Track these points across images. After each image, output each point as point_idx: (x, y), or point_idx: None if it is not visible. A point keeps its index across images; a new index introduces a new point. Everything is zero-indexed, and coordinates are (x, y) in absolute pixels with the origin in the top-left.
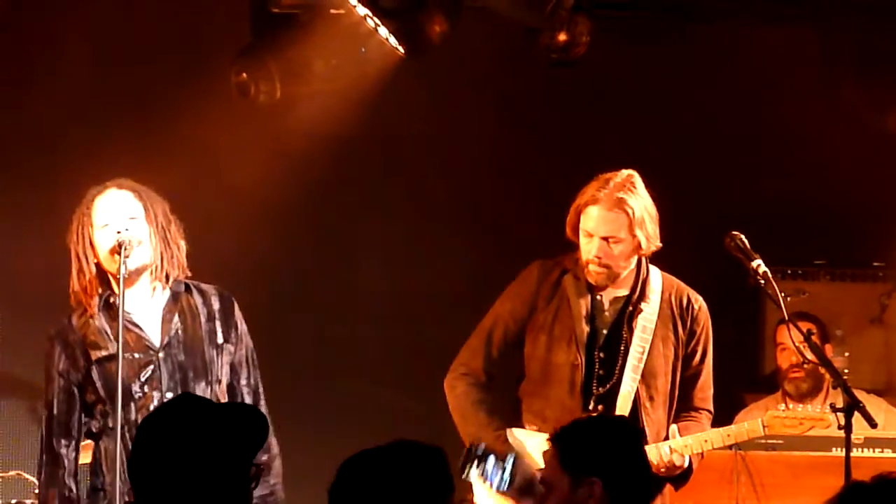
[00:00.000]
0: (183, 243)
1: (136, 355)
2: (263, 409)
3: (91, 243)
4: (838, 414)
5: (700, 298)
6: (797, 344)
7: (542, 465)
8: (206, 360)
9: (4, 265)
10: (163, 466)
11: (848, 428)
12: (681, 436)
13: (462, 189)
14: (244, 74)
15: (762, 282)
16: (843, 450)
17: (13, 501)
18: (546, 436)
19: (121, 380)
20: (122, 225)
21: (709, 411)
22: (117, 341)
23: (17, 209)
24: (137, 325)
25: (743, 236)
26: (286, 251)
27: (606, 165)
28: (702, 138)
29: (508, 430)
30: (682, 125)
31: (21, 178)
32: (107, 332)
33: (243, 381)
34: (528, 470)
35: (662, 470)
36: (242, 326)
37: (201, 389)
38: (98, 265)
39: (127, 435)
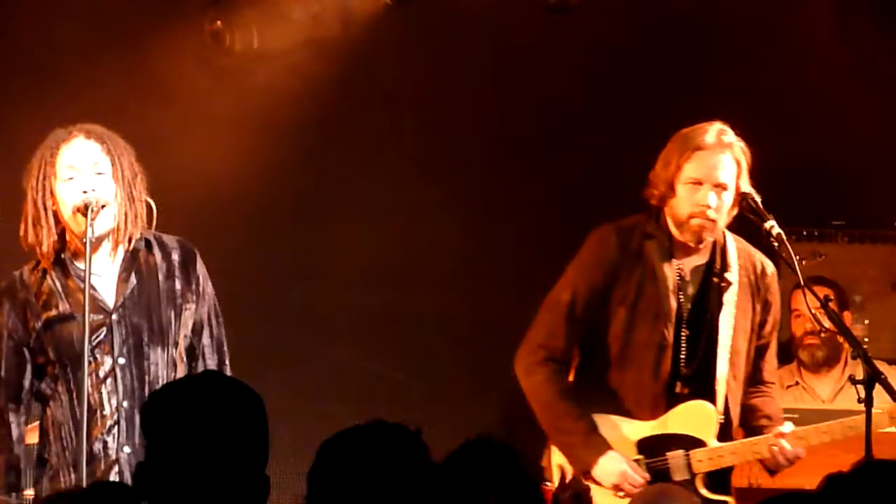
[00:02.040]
0: (148, 199)
1: (90, 317)
2: (227, 369)
3: (52, 193)
4: (858, 386)
5: (770, 263)
6: (813, 311)
7: (635, 456)
8: (162, 323)
9: None
10: (177, 447)
11: (868, 401)
12: (765, 413)
13: (453, 146)
14: (218, 22)
15: (776, 244)
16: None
17: None
18: (635, 422)
19: (75, 343)
20: (89, 182)
21: (773, 384)
22: (70, 301)
23: None
24: (92, 285)
25: (755, 195)
26: (262, 213)
27: (608, 118)
28: (710, 92)
29: (597, 418)
30: (689, 78)
31: None
32: (59, 291)
33: (205, 340)
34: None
35: (784, 463)
36: (204, 280)
37: (157, 355)
38: (56, 217)
39: (75, 401)
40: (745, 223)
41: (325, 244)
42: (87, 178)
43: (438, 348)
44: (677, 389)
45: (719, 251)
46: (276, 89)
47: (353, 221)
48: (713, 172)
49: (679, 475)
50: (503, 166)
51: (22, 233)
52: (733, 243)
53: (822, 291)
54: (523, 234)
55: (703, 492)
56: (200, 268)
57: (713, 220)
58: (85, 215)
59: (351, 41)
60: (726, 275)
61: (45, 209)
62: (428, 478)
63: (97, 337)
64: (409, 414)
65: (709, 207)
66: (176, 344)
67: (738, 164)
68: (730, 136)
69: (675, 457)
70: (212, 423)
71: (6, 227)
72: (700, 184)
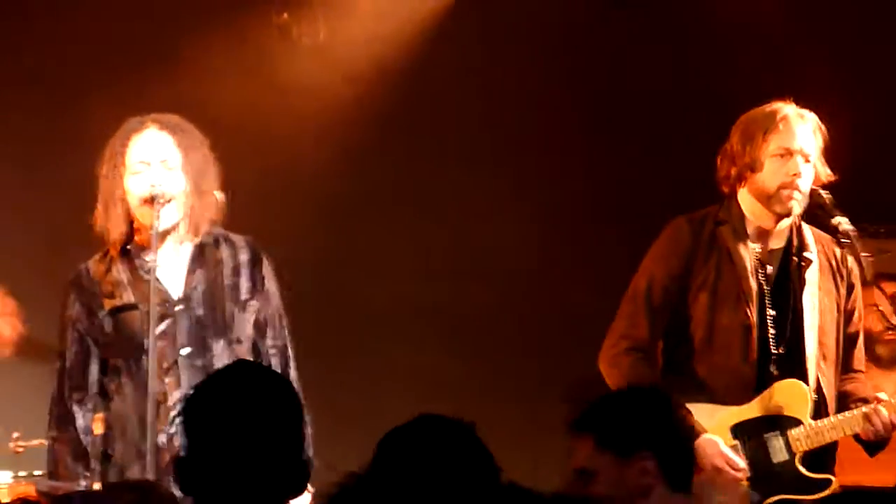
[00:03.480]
0: (219, 193)
1: (155, 308)
2: (293, 372)
3: (121, 183)
4: None
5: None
6: (880, 308)
7: (731, 442)
8: (226, 318)
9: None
10: (217, 436)
11: None
12: (860, 395)
13: (512, 140)
14: (285, 14)
15: (845, 240)
16: None
17: (37, 473)
18: (727, 408)
19: (138, 334)
20: (157, 177)
21: (863, 372)
22: (135, 292)
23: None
24: (157, 277)
25: (824, 192)
26: (325, 203)
27: (667, 112)
28: (771, 81)
29: (689, 408)
30: (749, 67)
31: (41, 120)
32: (124, 282)
33: (269, 342)
34: None
35: (882, 432)
36: (271, 283)
37: (220, 348)
38: (126, 207)
39: (139, 393)
40: (813, 219)
41: (382, 238)
42: (156, 172)
43: (496, 342)
44: (769, 371)
45: (796, 232)
46: (339, 83)
47: (411, 215)
48: (802, 141)
49: (778, 456)
50: (561, 160)
51: (95, 219)
52: (808, 227)
53: (890, 289)
54: (581, 227)
55: (804, 471)
56: (267, 269)
57: (802, 192)
58: (152, 206)
59: (415, 36)
60: (805, 254)
61: (115, 198)
62: (484, 472)
63: (161, 328)
64: (466, 408)
65: (799, 176)
66: (239, 341)
67: (818, 138)
68: (809, 111)
69: (774, 438)
70: (245, 411)
71: (79, 216)
72: (791, 154)
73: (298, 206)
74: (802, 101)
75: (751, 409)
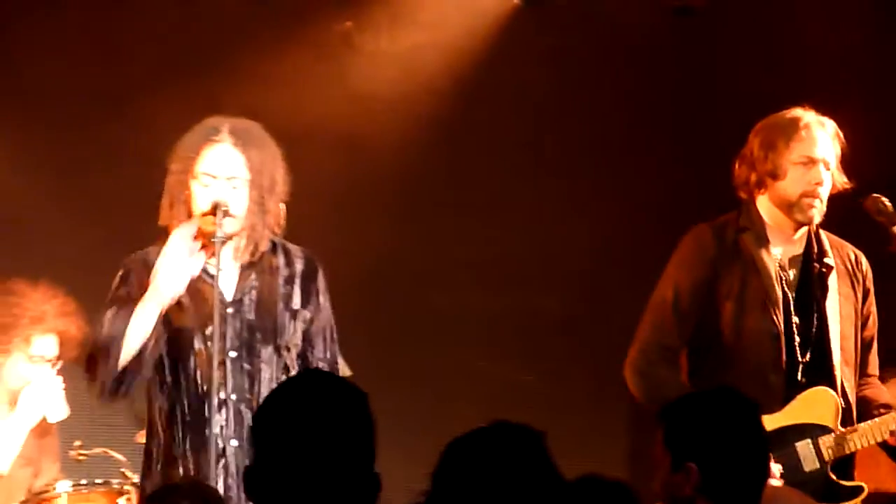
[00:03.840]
0: (282, 206)
1: (205, 308)
2: None
3: (188, 186)
4: None
5: (862, 254)
6: None
7: None
8: (276, 324)
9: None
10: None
11: None
12: (881, 401)
13: (580, 146)
14: (348, 23)
15: None
16: None
17: (98, 481)
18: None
19: (189, 332)
20: (222, 193)
21: (877, 376)
22: (189, 291)
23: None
24: (212, 276)
25: (886, 199)
26: (386, 212)
27: (729, 118)
28: (832, 88)
29: None
30: (813, 74)
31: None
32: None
33: (318, 354)
34: None
35: None
36: (324, 297)
37: (267, 354)
38: (188, 208)
39: (185, 391)
40: (873, 226)
41: (450, 243)
42: (222, 189)
43: (567, 351)
44: (796, 379)
45: (815, 239)
46: (404, 89)
47: (480, 221)
48: (824, 150)
49: (809, 465)
50: (631, 165)
51: (162, 207)
52: (823, 233)
53: None
54: (653, 233)
55: (836, 479)
56: (321, 283)
57: (823, 200)
58: (214, 215)
59: (480, 41)
60: (826, 260)
61: (181, 198)
62: (550, 481)
63: (211, 328)
64: (535, 416)
65: (821, 185)
66: (288, 349)
67: (837, 147)
68: (824, 118)
69: (804, 446)
70: (316, 422)
71: (134, 220)
72: (813, 162)
73: (361, 213)
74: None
75: (780, 418)
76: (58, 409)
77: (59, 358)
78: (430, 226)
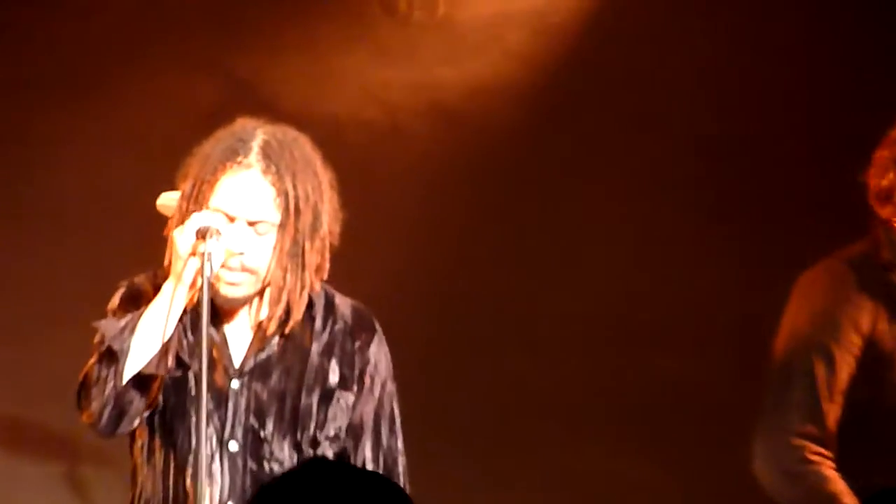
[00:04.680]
0: (325, 257)
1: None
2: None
3: None
4: None
5: None
6: None
7: None
8: (298, 410)
9: None
10: None
11: None
12: None
13: (695, 159)
14: None
15: None
16: None
17: None
18: None
19: (182, 403)
20: (240, 243)
21: None
22: (190, 346)
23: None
24: (223, 336)
25: None
26: (444, 243)
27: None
28: None
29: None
30: None
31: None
32: (186, 325)
33: (368, 452)
34: None
35: None
36: (377, 368)
37: (283, 452)
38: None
39: (169, 479)
40: None
41: (534, 287)
42: (240, 237)
43: (702, 432)
44: None
45: None
46: (464, 71)
47: (576, 258)
48: None
49: None
50: (776, 184)
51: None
52: None
53: None
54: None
55: None
56: (377, 349)
57: None
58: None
59: (564, 16)
60: None
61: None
62: None
63: (209, 406)
64: None
65: None
66: (315, 443)
67: None
68: None
69: None
70: None
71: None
72: None
73: (402, 239)
74: None
75: None
76: None
77: None
78: (513, 261)
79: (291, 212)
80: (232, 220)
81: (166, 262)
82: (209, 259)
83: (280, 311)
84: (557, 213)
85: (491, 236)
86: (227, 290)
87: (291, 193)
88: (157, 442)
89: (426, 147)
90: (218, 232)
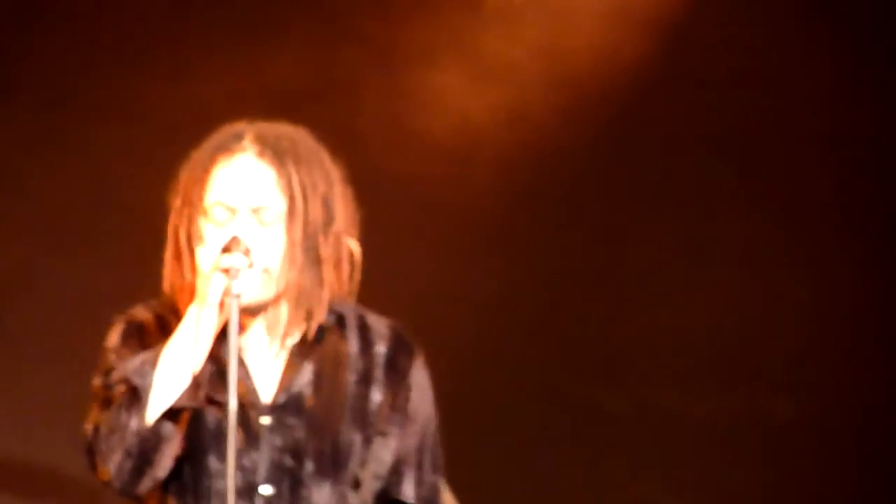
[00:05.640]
0: (353, 252)
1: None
2: None
3: (197, 231)
4: None
5: None
6: None
7: None
8: (339, 448)
9: None
10: None
11: None
12: None
13: (809, 163)
14: None
15: None
16: None
17: None
18: None
19: (204, 442)
20: (243, 227)
21: None
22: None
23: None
24: (245, 368)
25: None
26: (513, 257)
27: None
28: None
29: None
30: None
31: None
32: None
33: (409, 489)
34: None
35: None
36: (420, 396)
37: (324, 496)
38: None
39: None
40: None
41: (622, 310)
42: (245, 229)
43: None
44: None
45: None
46: (545, 66)
47: (672, 275)
48: None
49: None
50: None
51: (164, 272)
52: None
53: None
54: None
55: None
56: (418, 375)
57: None
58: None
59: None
60: None
61: (189, 248)
62: None
63: (237, 447)
64: None
65: None
66: (357, 484)
67: None
68: None
69: None
70: None
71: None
72: None
73: (460, 252)
74: None
75: None
76: None
77: None
78: (596, 282)
79: (298, 198)
80: (232, 211)
81: (165, 288)
82: (236, 276)
83: (300, 315)
84: (649, 238)
85: (574, 247)
86: (233, 286)
87: (295, 178)
88: (173, 492)
89: (505, 153)
90: (246, 246)
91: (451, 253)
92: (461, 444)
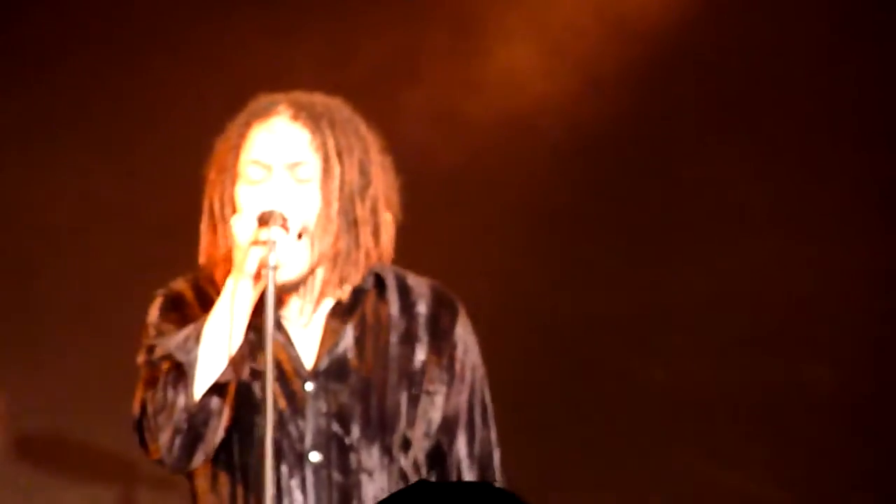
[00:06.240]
0: (387, 219)
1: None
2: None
3: (231, 197)
4: None
5: None
6: None
7: None
8: (385, 410)
9: None
10: None
11: None
12: None
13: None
14: None
15: None
16: None
17: None
18: None
19: (250, 412)
20: (280, 189)
21: None
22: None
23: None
24: (286, 335)
25: None
26: (559, 244)
27: None
28: None
29: None
30: None
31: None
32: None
33: (462, 448)
34: None
35: None
36: (465, 352)
37: (373, 459)
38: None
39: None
40: None
41: (662, 286)
42: (280, 186)
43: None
44: None
45: None
46: (598, 47)
47: (704, 252)
48: None
49: None
50: None
51: (201, 246)
52: None
53: None
54: None
55: None
56: (463, 330)
57: None
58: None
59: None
60: None
61: (223, 218)
62: None
63: (283, 415)
64: None
65: None
66: (407, 445)
67: None
68: None
69: None
70: None
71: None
72: None
73: (540, 244)
74: None
75: None
76: None
77: None
78: (632, 262)
79: (332, 157)
80: (268, 168)
81: (202, 260)
82: (273, 248)
83: (336, 278)
84: (682, 211)
85: (612, 217)
86: (270, 257)
87: (331, 139)
88: (222, 464)
89: (551, 141)
90: (283, 216)
91: (502, 229)
92: (496, 417)
